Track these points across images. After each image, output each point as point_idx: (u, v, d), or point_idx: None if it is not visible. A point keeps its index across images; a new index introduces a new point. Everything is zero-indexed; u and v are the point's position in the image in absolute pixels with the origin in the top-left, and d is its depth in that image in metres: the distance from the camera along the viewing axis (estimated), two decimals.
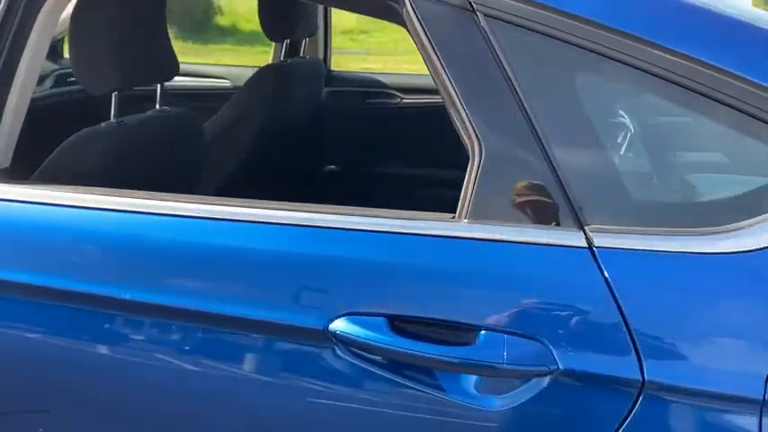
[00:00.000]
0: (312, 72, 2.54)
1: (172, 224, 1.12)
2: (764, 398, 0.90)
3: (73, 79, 2.76)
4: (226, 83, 2.85)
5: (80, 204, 1.17)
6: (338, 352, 1.01)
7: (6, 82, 1.31)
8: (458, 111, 1.03)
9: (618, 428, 0.94)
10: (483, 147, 1.02)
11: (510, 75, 1.01)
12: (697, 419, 0.93)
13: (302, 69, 2.49)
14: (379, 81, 2.74)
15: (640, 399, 0.93)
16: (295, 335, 1.04)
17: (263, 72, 2.28)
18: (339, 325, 1.01)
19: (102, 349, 1.14)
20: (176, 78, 2.86)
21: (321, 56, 2.72)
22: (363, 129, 2.65)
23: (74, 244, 1.16)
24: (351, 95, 2.71)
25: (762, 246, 0.93)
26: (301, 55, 2.64)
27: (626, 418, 0.94)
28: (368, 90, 2.72)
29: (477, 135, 1.02)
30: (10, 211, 1.22)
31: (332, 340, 1.01)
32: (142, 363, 1.12)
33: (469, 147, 1.03)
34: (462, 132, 1.04)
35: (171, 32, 1.72)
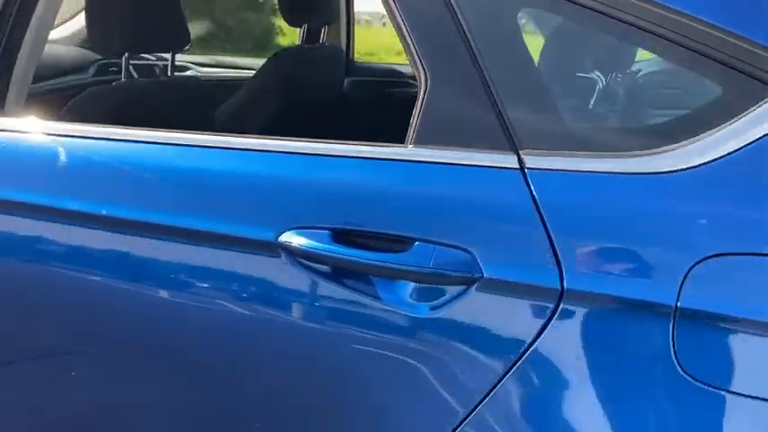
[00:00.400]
0: (330, 58, 2.60)
1: (143, 151, 1.23)
2: (677, 305, 0.94)
3: (114, 69, 2.93)
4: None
5: (72, 133, 1.29)
6: (285, 261, 1.09)
7: (21, 32, 1.44)
8: (407, 42, 1.11)
9: (538, 336, 0.99)
10: (428, 76, 1.09)
11: (454, 7, 1.08)
12: (613, 326, 0.97)
13: (319, 54, 2.56)
14: (399, 71, 2.82)
15: (560, 306, 0.98)
16: (248, 246, 1.13)
17: (277, 56, 2.38)
18: (288, 237, 1.09)
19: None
20: (208, 69, 2.99)
21: (344, 45, 2.81)
22: (384, 117, 2.72)
23: (66, 168, 1.28)
24: (372, 85, 2.79)
25: (684, 167, 0.97)
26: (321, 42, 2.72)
27: (546, 326, 0.99)
28: (389, 80, 2.80)
29: (422, 65, 1.09)
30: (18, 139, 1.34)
31: (281, 250, 1.09)
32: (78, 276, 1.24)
33: (417, 77, 1.10)
34: (411, 63, 1.11)
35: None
